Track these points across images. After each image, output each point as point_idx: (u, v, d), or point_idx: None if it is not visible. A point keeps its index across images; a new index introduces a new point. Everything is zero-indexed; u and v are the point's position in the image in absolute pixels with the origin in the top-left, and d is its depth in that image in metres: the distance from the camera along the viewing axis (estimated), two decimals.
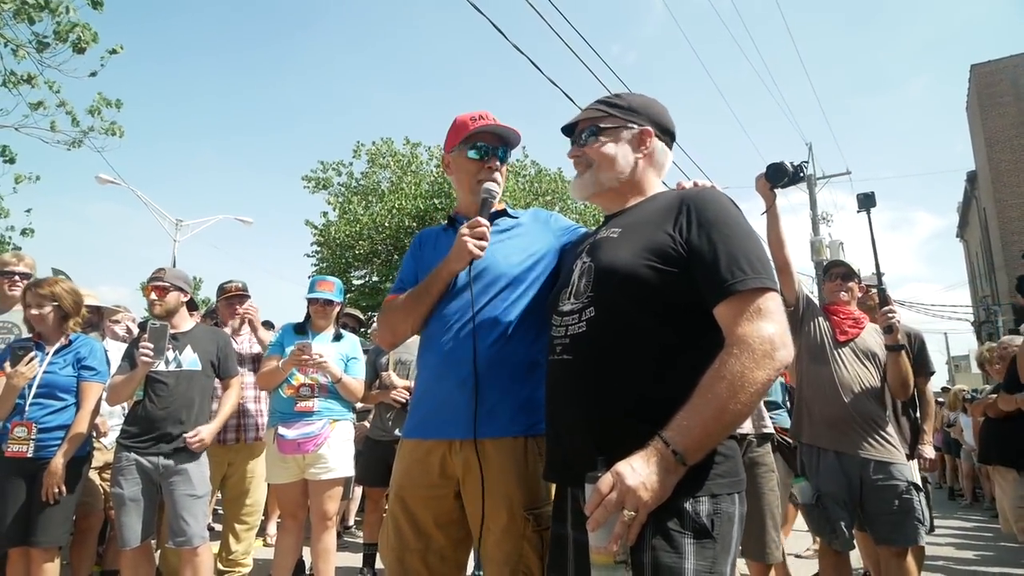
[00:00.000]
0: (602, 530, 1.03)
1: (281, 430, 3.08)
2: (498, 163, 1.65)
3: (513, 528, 1.41)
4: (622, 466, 1.04)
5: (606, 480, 1.04)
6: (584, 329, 1.24)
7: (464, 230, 1.50)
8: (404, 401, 3.79)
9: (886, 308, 2.75)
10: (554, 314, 1.34)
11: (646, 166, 1.41)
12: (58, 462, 2.68)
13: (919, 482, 2.77)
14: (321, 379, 3.20)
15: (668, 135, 1.44)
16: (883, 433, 2.71)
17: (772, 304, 1.12)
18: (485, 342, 1.49)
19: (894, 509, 2.60)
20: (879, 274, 2.96)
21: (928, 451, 3.23)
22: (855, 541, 2.82)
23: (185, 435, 2.88)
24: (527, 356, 1.50)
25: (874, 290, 3.29)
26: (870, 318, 2.99)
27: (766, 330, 1.08)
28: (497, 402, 1.47)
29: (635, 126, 1.39)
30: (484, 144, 1.64)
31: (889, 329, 2.73)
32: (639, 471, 1.03)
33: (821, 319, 2.93)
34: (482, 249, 1.48)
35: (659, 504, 1.05)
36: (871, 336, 2.88)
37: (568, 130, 1.49)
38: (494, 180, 1.63)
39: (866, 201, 2.93)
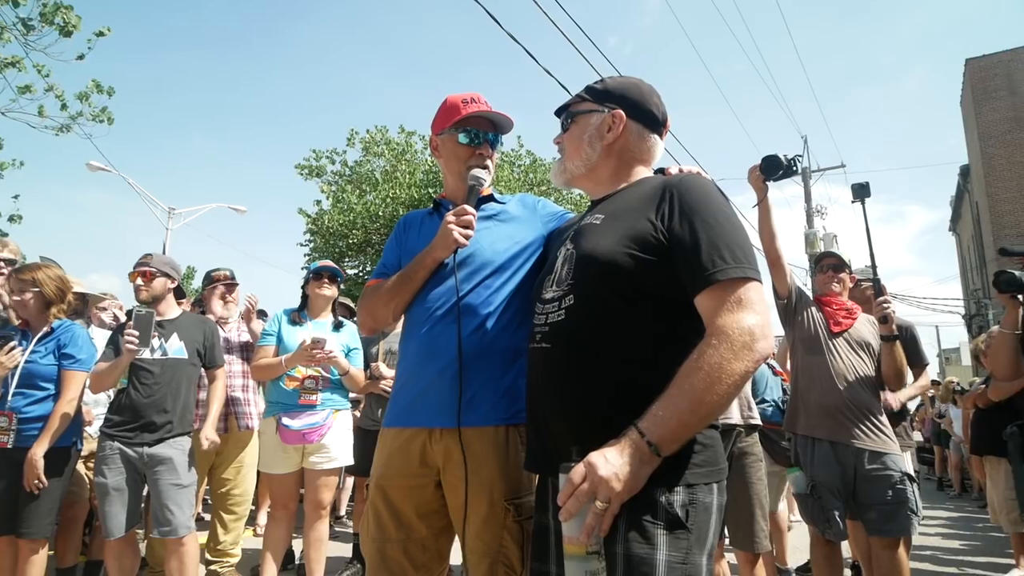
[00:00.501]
0: (574, 520, 1.02)
1: (285, 420, 3.06)
2: (489, 149, 1.62)
3: (494, 518, 1.40)
4: (595, 456, 1.03)
5: (578, 470, 1.03)
6: (563, 317, 1.23)
7: (450, 217, 1.47)
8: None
9: (881, 299, 2.75)
10: (537, 301, 1.32)
11: (620, 150, 1.37)
12: (35, 453, 2.64)
13: (912, 473, 2.77)
14: (324, 372, 3.18)
15: (648, 117, 1.38)
16: (877, 423, 2.71)
17: (753, 294, 1.10)
18: (468, 329, 1.47)
19: (888, 500, 2.61)
20: (874, 265, 2.94)
21: (892, 399, 3.05)
22: (847, 532, 2.83)
23: (204, 435, 2.99)
24: (511, 344, 1.47)
25: (866, 283, 3.28)
26: (863, 309, 2.99)
27: (746, 321, 1.06)
28: (479, 390, 1.45)
29: (605, 110, 1.36)
30: (475, 129, 1.61)
31: (884, 319, 2.72)
32: (612, 462, 1.02)
33: (814, 310, 2.93)
34: (467, 238, 1.46)
35: (632, 495, 1.03)
36: (864, 326, 2.88)
37: (559, 115, 1.48)
38: (484, 167, 1.60)
39: (861, 191, 2.91)
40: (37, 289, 2.79)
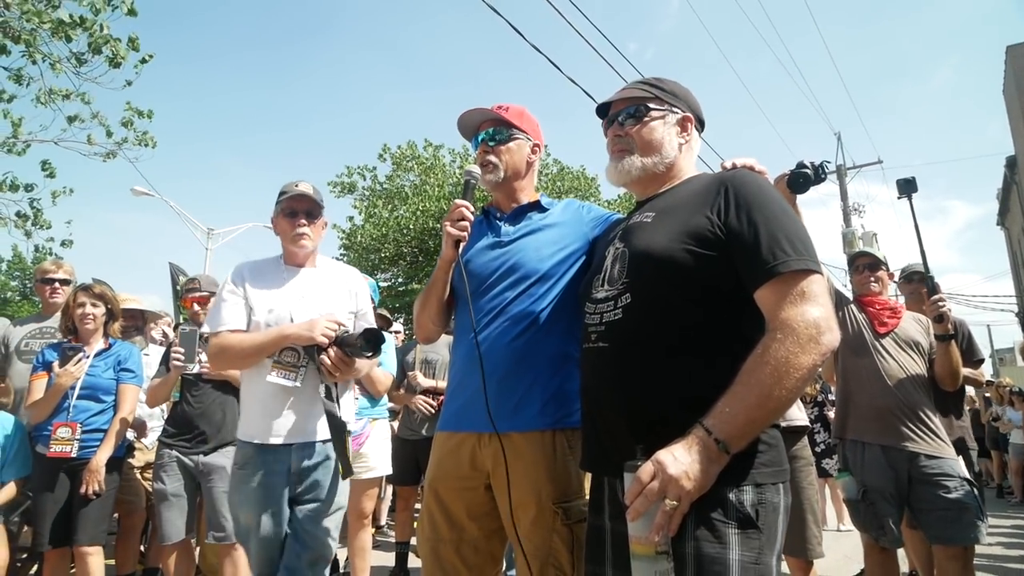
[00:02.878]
0: (642, 520, 1.01)
1: None
2: (488, 146, 1.67)
3: (542, 521, 1.41)
4: (663, 454, 1.02)
5: (647, 469, 1.02)
6: (620, 316, 1.22)
7: (445, 219, 1.54)
8: (429, 412, 3.75)
9: (935, 297, 2.63)
10: (587, 302, 1.32)
11: (686, 153, 1.39)
12: (100, 459, 2.77)
13: (970, 476, 2.63)
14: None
15: (700, 122, 1.44)
16: (931, 426, 2.61)
17: (816, 287, 1.08)
18: (509, 336, 1.50)
19: (948, 505, 2.50)
20: (925, 263, 2.82)
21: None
22: (903, 539, 2.72)
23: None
24: (558, 349, 1.50)
25: (917, 279, 3.18)
26: (915, 307, 2.90)
27: (811, 313, 1.05)
28: (525, 395, 1.47)
29: (679, 111, 1.38)
30: (476, 135, 1.71)
31: (940, 319, 2.61)
32: (681, 459, 1.00)
33: (856, 311, 2.85)
34: (463, 229, 1.51)
35: (702, 493, 1.02)
36: (911, 324, 2.79)
37: (603, 110, 1.45)
38: (482, 163, 1.66)
39: (907, 187, 2.82)
40: (109, 306, 2.98)
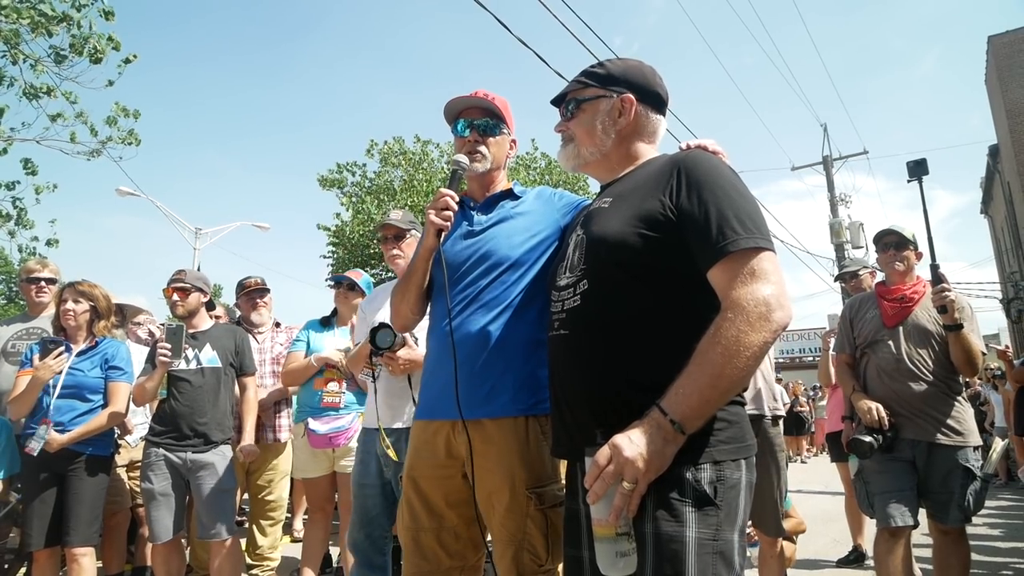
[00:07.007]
0: (602, 503, 1.03)
1: (312, 424, 3.11)
2: (478, 135, 1.65)
3: (516, 507, 1.42)
4: (619, 438, 1.04)
5: (603, 452, 1.04)
6: (579, 303, 1.23)
7: (428, 207, 1.53)
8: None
9: (938, 287, 2.56)
10: (552, 290, 1.34)
11: (630, 134, 1.37)
12: (68, 437, 2.72)
13: (974, 467, 2.57)
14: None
15: (655, 99, 1.39)
16: (932, 414, 2.59)
17: (767, 264, 1.09)
18: (481, 323, 1.51)
19: (938, 490, 2.55)
20: (932, 250, 2.73)
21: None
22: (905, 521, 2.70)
23: (241, 448, 3.04)
24: (531, 336, 1.50)
25: (894, 245, 3.09)
26: (900, 280, 2.81)
27: (761, 292, 1.05)
28: (498, 382, 1.48)
29: (614, 95, 1.35)
30: (459, 120, 1.68)
31: (943, 310, 2.55)
32: (636, 442, 1.02)
33: (868, 313, 2.82)
34: (446, 219, 1.51)
35: (659, 474, 1.04)
36: (925, 313, 2.70)
37: (558, 103, 1.47)
38: (470, 152, 1.64)
39: (917, 169, 2.76)
40: (92, 304, 2.93)
